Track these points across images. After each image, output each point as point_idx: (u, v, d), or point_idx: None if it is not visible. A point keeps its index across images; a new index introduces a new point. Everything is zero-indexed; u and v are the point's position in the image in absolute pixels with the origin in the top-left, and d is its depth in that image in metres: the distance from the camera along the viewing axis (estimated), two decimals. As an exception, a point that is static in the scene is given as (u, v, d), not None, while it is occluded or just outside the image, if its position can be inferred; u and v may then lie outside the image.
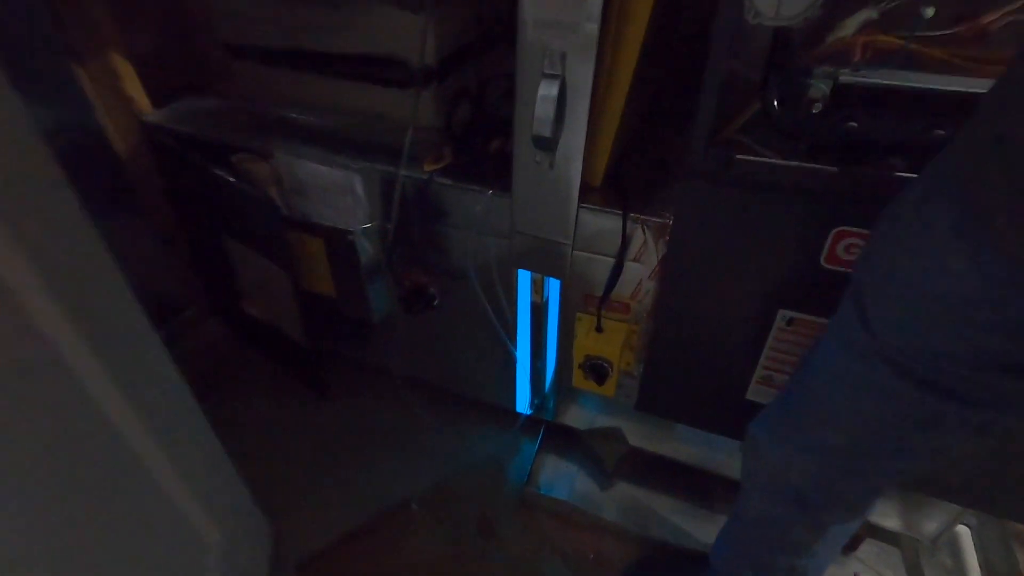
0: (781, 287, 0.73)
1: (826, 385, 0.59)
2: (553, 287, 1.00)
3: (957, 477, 0.80)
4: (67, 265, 0.54)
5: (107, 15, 1.04)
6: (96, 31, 1.04)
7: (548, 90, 0.75)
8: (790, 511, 0.68)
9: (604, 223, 0.86)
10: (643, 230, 0.84)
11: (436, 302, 1.10)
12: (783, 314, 0.75)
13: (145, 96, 1.13)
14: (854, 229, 0.65)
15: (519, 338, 1.08)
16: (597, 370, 0.96)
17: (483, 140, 1.01)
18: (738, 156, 0.66)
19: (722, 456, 1.11)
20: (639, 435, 1.16)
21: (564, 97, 0.75)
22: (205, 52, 1.20)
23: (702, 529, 1.09)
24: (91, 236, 0.57)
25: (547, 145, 0.79)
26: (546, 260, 0.92)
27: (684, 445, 1.14)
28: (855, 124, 0.61)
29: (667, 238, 0.83)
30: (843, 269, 0.68)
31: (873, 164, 0.62)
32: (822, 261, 0.68)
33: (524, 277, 0.99)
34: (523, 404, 1.21)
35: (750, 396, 0.86)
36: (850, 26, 0.59)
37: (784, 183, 0.65)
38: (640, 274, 0.89)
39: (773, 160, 0.65)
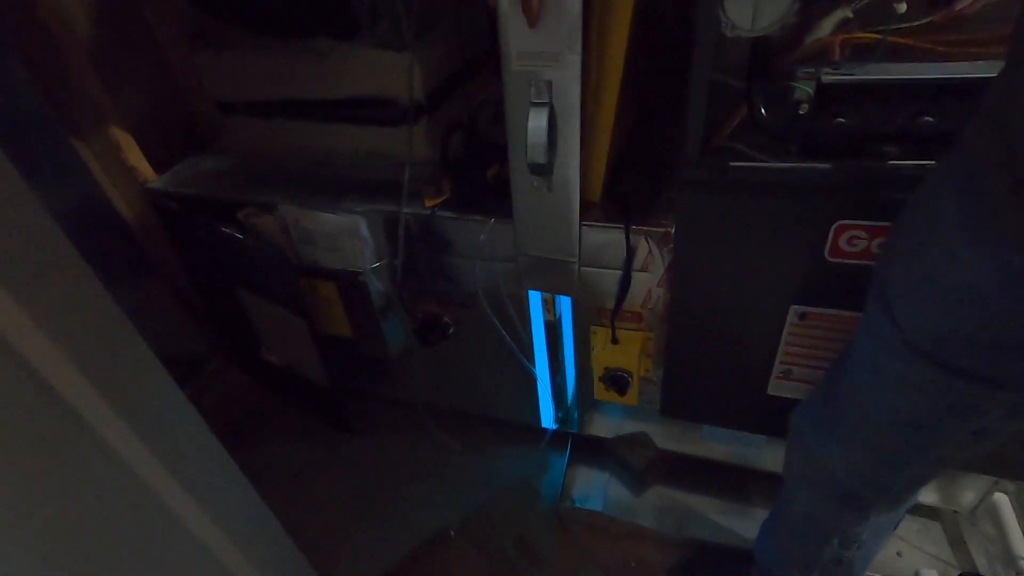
0: (789, 284, 0.74)
1: (862, 378, 0.60)
2: (565, 304, 1.01)
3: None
4: (87, 337, 0.56)
5: (99, 88, 1.06)
6: (91, 104, 1.06)
7: (538, 119, 0.76)
8: (836, 504, 0.69)
9: (608, 237, 0.87)
10: (647, 240, 0.85)
11: (451, 331, 1.11)
12: (795, 310, 0.76)
13: (146, 163, 1.16)
14: (854, 222, 0.66)
15: (536, 356, 1.08)
16: (617, 381, 0.97)
17: (480, 168, 1.02)
18: (732, 163, 0.67)
19: (753, 450, 1.11)
20: (667, 437, 1.17)
21: (554, 123, 0.77)
22: (198, 112, 1.22)
23: (741, 525, 1.10)
24: (107, 305, 0.58)
25: (543, 171, 0.80)
26: (554, 279, 0.93)
27: (713, 443, 1.14)
28: (843, 120, 0.62)
29: (671, 246, 0.84)
30: (849, 261, 0.68)
31: (865, 156, 0.63)
32: (826, 255, 0.69)
33: (535, 297, 1.00)
34: (548, 419, 1.22)
35: (772, 391, 0.86)
36: (827, 27, 0.60)
37: (780, 184, 0.66)
38: (649, 283, 0.90)
39: (767, 163, 0.66)
